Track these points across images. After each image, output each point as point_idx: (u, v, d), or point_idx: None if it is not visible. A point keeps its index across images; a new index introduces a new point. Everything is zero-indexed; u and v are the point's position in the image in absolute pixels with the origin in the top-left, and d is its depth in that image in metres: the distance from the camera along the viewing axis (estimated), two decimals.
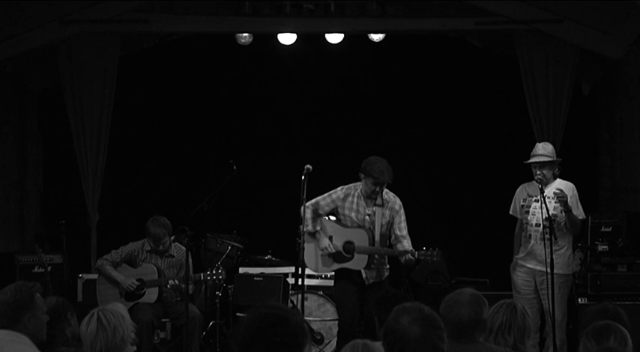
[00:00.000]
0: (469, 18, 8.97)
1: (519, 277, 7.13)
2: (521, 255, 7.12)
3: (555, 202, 6.96)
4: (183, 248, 7.25)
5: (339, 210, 6.82)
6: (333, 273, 7.20)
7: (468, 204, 9.75)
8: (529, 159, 7.11)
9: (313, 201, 6.84)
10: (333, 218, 6.98)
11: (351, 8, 9.03)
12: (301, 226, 6.80)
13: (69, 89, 9.18)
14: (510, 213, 7.29)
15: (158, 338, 7.69)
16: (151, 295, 7.32)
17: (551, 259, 6.62)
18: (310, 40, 9.40)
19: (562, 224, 6.97)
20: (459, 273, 8.83)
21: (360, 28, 9.15)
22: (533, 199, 7.01)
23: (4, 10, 8.23)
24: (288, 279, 8.13)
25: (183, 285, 7.14)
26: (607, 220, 7.71)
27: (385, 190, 6.78)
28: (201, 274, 7.41)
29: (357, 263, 6.72)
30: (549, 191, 6.98)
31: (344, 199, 6.80)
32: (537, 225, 6.97)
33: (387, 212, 6.77)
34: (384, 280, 6.91)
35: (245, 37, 9.34)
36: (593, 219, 7.62)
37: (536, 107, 9.05)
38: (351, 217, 6.78)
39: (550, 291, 6.68)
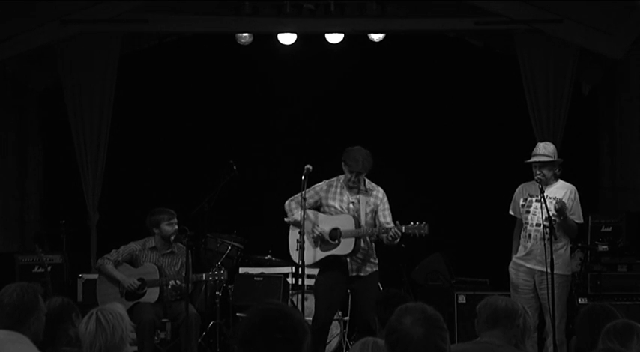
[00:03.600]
0: (469, 18, 8.97)
1: (518, 276, 7.12)
2: (520, 254, 7.11)
3: (556, 203, 6.96)
4: (184, 247, 7.25)
5: (323, 201, 6.81)
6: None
7: (467, 203, 9.74)
8: (530, 158, 7.11)
9: (297, 194, 6.84)
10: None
11: (351, 8, 9.03)
12: (285, 219, 6.84)
13: (69, 89, 9.19)
14: (510, 213, 7.27)
15: (158, 338, 7.69)
16: (152, 295, 7.31)
17: (551, 259, 6.62)
18: (310, 40, 9.40)
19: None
20: (459, 273, 8.83)
21: (360, 28, 9.15)
22: (534, 199, 7.00)
23: (4, 10, 8.23)
24: (288, 279, 8.13)
25: (183, 285, 7.15)
26: (607, 220, 7.70)
27: (367, 180, 6.78)
28: (203, 274, 7.41)
29: (344, 248, 6.65)
30: (550, 192, 6.98)
31: (327, 190, 6.80)
32: (538, 225, 6.96)
33: (372, 200, 6.77)
34: (371, 276, 6.82)
35: (245, 37, 9.34)
36: (593, 219, 7.61)
37: (536, 107, 9.05)
38: (335, 207, 6.75)
39: (549, 291, 6.68)
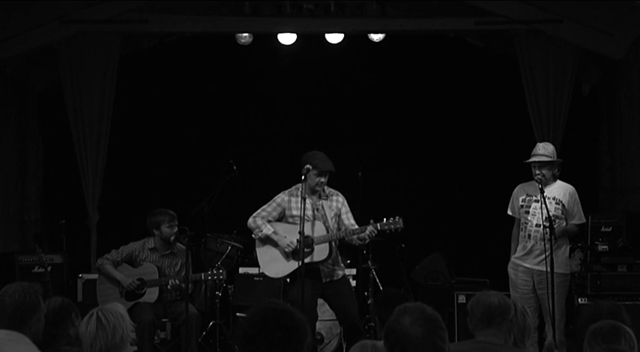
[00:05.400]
0: (469, 18, 8.97)
1: (517, 276, 7.12)
2: (519, 254, 7.11)
3: (556, 203, 6.96)
4: (184, 247, 7.26)
5: (287, 212, 6.77)
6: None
7: (467, 203, 9.74)
8: (529, 158, 7.11)
9: (259, 210, 6.83)
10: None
11: (351, 8, 9.04)
12: (253, 235, 6.81)
13: (69, 89, 9.19)
14: (509, 213, 7.27)
15: (158, 338, 7.69)
16: (152, 295, 7.32)
17: (551, 259, 6.61)
18: (310, 40, 9.40)
19: (562, 225, 6.98)
20: (459, 273, 8.83)
21: (360, 28, 9.15)
22: (533, 199, 7.00)
23: (4, 10, 8.23)
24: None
25: (183, 285, 7.15)
26: (607, 220, 7.70)
27: (326, 186, 6.78)
28: (202, 274, 7.41)
29: (319, 254, 6.62)
30: (549, 192, 6.98)
31: (289, 201, 6.75)
32: (537, 225, 6.96)
33: (334, 204, 6.79)
34: (343, 279, 6.84)
35: (245, 37, 9.35)
36: (593, 219, 7.61)
37: (536, 107, 9.06)
38: (300, 216, 6.64)
39: (549, 291, 6.68)
